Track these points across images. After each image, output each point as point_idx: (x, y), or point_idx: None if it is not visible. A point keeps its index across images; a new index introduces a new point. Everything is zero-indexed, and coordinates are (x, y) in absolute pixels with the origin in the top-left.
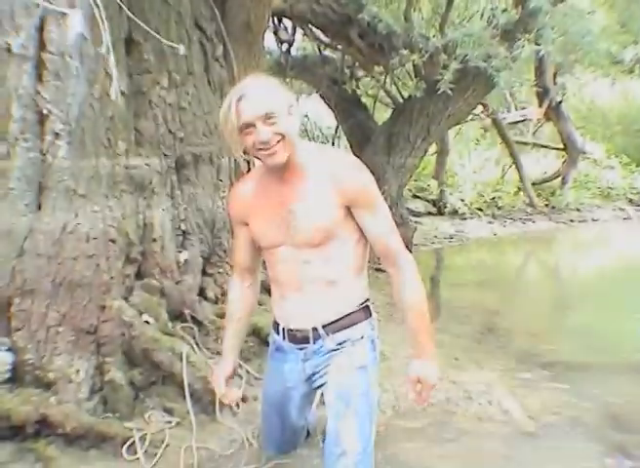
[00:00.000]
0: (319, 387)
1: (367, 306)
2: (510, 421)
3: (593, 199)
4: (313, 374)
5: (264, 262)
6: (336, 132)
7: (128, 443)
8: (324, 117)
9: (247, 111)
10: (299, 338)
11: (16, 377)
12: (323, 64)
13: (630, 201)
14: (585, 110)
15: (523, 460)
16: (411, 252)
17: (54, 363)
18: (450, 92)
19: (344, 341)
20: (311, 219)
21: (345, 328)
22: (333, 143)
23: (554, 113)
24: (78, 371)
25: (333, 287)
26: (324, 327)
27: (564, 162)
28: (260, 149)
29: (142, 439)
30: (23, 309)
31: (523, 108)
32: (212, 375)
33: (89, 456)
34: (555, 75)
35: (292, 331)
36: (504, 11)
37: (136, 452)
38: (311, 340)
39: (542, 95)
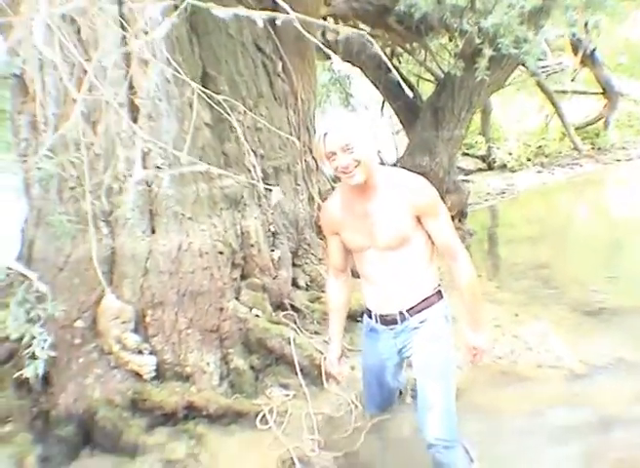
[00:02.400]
0: (408, 357)
1: (439, 290)
2: (564, 366)
3: (638, 136)
4: (403, 347)
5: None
6: (382, 108)
7: (259, 416)
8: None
9: (330, 143)
10: (389, 321)
11: (159, 375)
12: (365, 47)
13: None
14: (622, 48)
15: (574, 397)
16: (467, 214)
17: (188, 359)
18: (486, 76)
19: (424, 320)
20: (390, 228)
21: (424, 309)
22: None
23: (589, 60)
24: (209, 364)
25: (411, 279)
26: (408, 310)
27: (605, 106)
28: (342, 172)
29: (270, 411)
30: (156, 319)
31: (559, 56)
32: (326, 359)
33: (230, 430)
34: (587, 24)
35: (382, 315)
36: None
37: (267, 423)
38: (399, 321)
39: (576, 43)
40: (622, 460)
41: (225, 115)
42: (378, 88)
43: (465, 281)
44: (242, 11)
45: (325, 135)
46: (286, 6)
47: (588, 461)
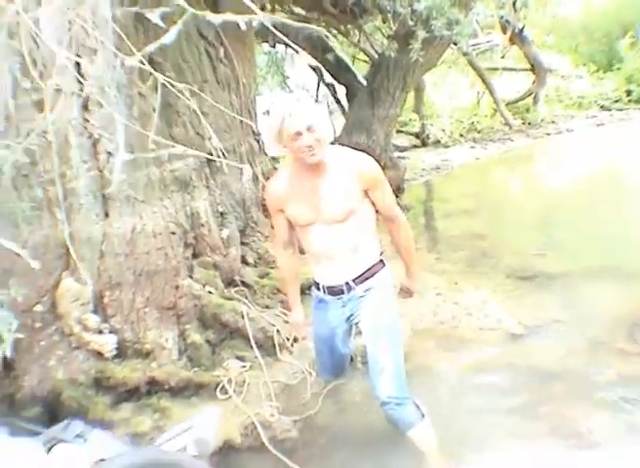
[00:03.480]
0: (356, 324)
1: (381, 260)
2: (503, 328)
3: (566, 110)
4: (351, 315)
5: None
6: (317, 89)
7: (219, 387)
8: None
9: (295, 124)
10: (336, 291)
11: (120, 353)
12: (301, 30)
13: (602, 107)
14: (549, 24)
15: (514, 356)
16: (403, 189)
17: (147, 337)
18: (420, 57)
19: (370, 288)
20: (339, 202)
21: (369, 278)
22: (317, 98)
23: (518, 38)
24: (167, 340)
25: (355, 250)
26: (353, 280)
27: (534, 82)
28: (305, 151)
29: (229, 382)
30: (114, 299)
31: (489, 33)
32: (291, 322)
33: (192, 402)
34: (515, 3)
35: (330, 286)
36: None
37: (227, 393)
38: (345, 291)
39: (505, 22)
40: (558, 410)
41: (174, 99)
42: (314, 69)
43: (404, 237)
44: (230, 16)
45: (290, 115)
46: None
47: (528, 413)
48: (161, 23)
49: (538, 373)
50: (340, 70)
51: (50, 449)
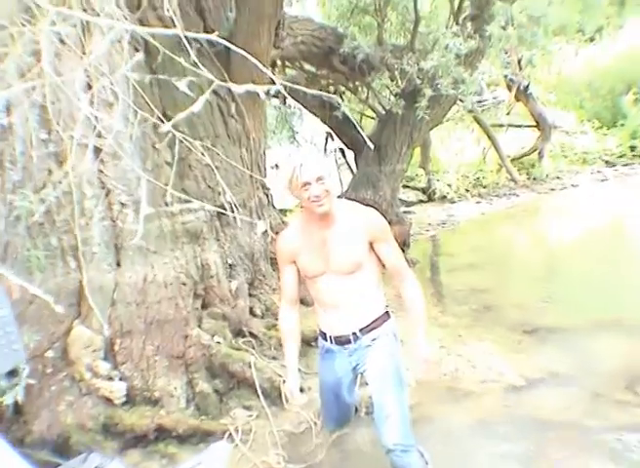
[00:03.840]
0: (362, 373)
1: (387, 311)
2: (505, 380)
3: (571, 165)
4: (357, 365)
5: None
6: (326, 144)
7: (226, 435)
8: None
9: (306, 174)
10: (343, 341)
11: (129, 400)
12: (309, 85)
13: (606, 162)
14: (554, 81)
15: (515, 407)
16: (409, 244)
17: (156, 384)
18: (426, 114)
19: (376, 338)
20: (347, 254)
21: (375, 328)
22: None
23: (523, 95)
24: (176, 388)
25: (362, 301)
26: (360, 330)
27: (538, 138)
28: (314, 201)
29: (236, 430)
30: (124, 347)
31: (494, 90)
32: (285, 388)
33: (199, 449)
34: (520, 61)
35: (337, 336)
36: (466, 40)
37: (233, 441)
38: (352, 341)
39: (511, 80)
40: (557, 458)
41: (186, 153)
42: (325, 122)
43: (414, 296)
44: (251, 87)
45: (301, 166)
46: (241, 51)
47: (526, 459)
48: (189, 92)
49: (535, 423)
50: (346, 127)
51: None
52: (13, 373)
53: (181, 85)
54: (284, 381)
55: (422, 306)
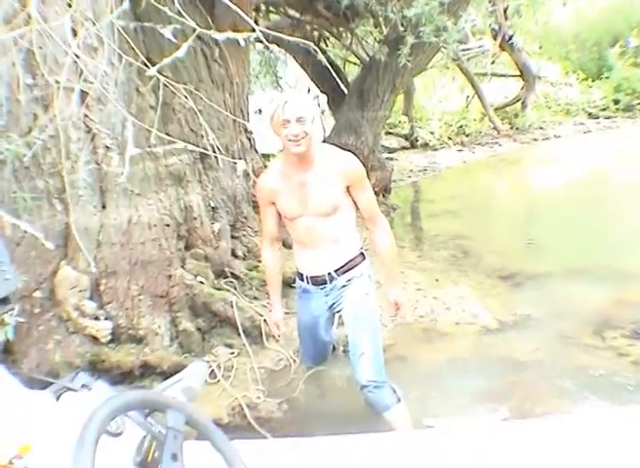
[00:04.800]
0: (338, 312)
1: (362, 252)
2: (479, 322)
3: (554, 116)
4: (333, 304)
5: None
6: (309, 89)
7: (208, 371)
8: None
9: (287, 112)
10: (319, 281)
11: (115, 338)
12: (293, 30)
13: (589, 114)
14: (541, 32)
15: (486, 347)
16: (390, 190)
17: (141, 323)
18: (408, 62)
19: (351, 278)
20: (324, 196)
21: (350, 269)
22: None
23: (508, 45)
24: (160, 326)
25: (338, 242)
26: (335, 271)
27: (522, 87)
28: (291, 140)
29: (218, 367)
30: (110, 287)
31: (480, 38)
32: (271, 320)
33: None
34: (506, 10)
35: (313, 277)
36: None
37: (215, 377)
38: (328, 281)
39: (496, 30)
40: (526, 395)
41: (170, 97)
42: (306, 70)
43: (386, 241)
44: (231, 34)
45: (285, 103)
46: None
47: (496, 397)
48: (173, 39)
49: (506, 363)
50: (327, 73)
51: (59, 397)
52: (5, 302)
53: (166, 32)
54: (265, 320)
55: (393, 253)
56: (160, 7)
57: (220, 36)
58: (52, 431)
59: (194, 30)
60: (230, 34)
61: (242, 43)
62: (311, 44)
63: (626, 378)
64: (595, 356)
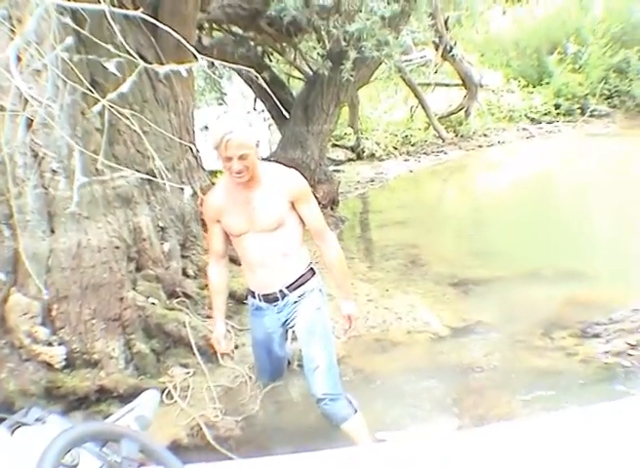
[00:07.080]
0: (291, 327)
1: (312, 268)
2: (430, 330)
3: (498, 123)
4: (286, 320)
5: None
6: (254, 104)
7: (165, 392)
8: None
9: (229, 149)
10: (271, 299)
11: (69, 363)
12: (237, 46)
13: (532, 120)
14: (482, 41)
15: (439, 355)
16: (338, 202)
17: (95, 347)
18: (351, 76)
19: (302, 294)
20: (269, 212)
21: (301, 285)
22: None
23: (450, 55)
24: (114, 350)
25: (287, 258)
26: (287, 287)
27: (465, 96)
28: (234, 174)
29: (174, 387)
30: (62, 312)
31: (422, 49)
32: (213, 337)
33: None
34: (446, 22)
35: (265, 295)
36: (388, 3)
37: (172, 398)
38: (280, 298)
39: (438, 41)
40: (479, 400)
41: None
42: (251, 86)
43: (334, 256)
44: (174, 66)
45: (227, 141)
46: (166, 28)
47: (450, 402)
48: (117, 73)
49: (459, 369)
50: (274, 87)
51: (13, 432)
52: None
53: (110, 66)
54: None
55: (342, 267)
56: (103, 44)
57: (162, 69)
58: (7, 466)
59: (137, 65)
60: (173, 66)
61: (185, 74)
62: (252, 70)
63: (576, 377)
64: (545, 357)
